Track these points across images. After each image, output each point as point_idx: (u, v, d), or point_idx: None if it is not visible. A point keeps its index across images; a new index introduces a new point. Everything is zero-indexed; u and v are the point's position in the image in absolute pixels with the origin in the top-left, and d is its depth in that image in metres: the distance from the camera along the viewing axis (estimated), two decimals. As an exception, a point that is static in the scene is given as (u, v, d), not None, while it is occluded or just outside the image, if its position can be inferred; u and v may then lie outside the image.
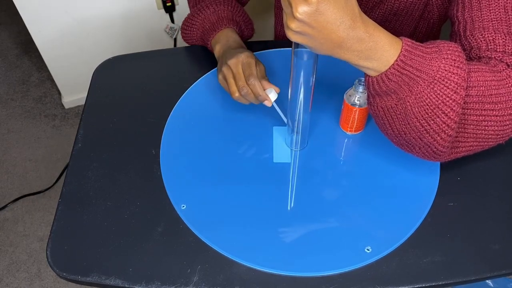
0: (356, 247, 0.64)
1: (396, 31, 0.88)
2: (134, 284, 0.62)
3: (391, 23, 0.88)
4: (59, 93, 1.93)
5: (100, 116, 0.84)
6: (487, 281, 1.21)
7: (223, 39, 0.85)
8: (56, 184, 1.65)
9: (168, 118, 0.82)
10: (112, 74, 0.93)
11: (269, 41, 0.98)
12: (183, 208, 0.69)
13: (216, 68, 0.90)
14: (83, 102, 1.87)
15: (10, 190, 1.65)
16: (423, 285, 0.61)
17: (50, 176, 1.68)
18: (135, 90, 0.89)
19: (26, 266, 1.47)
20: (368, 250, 0.64)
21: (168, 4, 1.65)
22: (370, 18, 0.81)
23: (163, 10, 1.67)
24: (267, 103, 0.73)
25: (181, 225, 0.68)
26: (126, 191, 0.72)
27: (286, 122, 0.76)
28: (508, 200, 0.69)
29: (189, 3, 0.95)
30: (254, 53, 0.82)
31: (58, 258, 0.65)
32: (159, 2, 1.64)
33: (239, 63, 0.74)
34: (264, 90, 0.73)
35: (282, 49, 0.95)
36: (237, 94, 0.74)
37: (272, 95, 0.73)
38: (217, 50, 0.84)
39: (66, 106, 1.90)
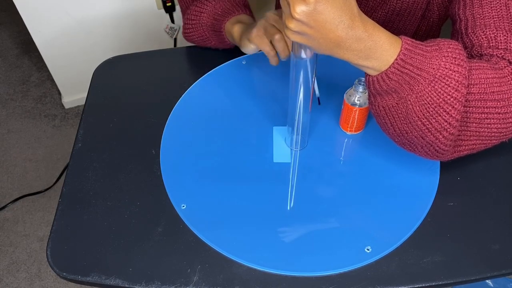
0: (356, 247, 0.64)
1: (399, 31, 0.88)
2: (134, 284, 0.62)
3: (394, 23, 0.88)
4: (59, 93, 1.93)
5: (100, 116, 0.84)
6: (487, 281, 1.21)
7: (242, 20, 0.82)
8: (56, 184, 1.65)
9: (168, 118, 0.82)
10: (112, 74, 0.93)
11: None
12: (183, 208, 0.69)
13: (213, 69, 0.90)
14: (83, 102, 1.87)
15: (10, 190, 1.65)
16: (423, 285, 0.61)
17: (50, 176, 1.68)
18: (135, 90, 0.89)
19: (26, 266, 1.47)
20: (368, 250, 0.64)
21: (168, 4, 1.65)
22: (373, 18, 0.80)
23: (163, 10, 1.67)
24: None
25: (181, 225, 0.68)
26: (126, 191, 0.72)
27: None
28: (508, 200, 0.69)
29: (181, 3, 0.93)
30: (253, 53, 0.81)
31: (58, 258, 0.65)
32: (159, 2, 1.64)
33: (271, 18, 0.74)
34: None
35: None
36: (278, 36, 0.72)
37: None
38: (236, 29, 0.81)
39: (66, 106, 1.90)
